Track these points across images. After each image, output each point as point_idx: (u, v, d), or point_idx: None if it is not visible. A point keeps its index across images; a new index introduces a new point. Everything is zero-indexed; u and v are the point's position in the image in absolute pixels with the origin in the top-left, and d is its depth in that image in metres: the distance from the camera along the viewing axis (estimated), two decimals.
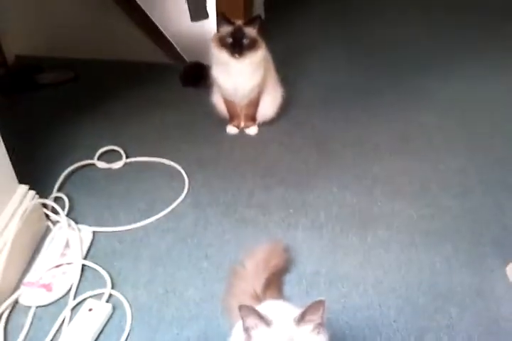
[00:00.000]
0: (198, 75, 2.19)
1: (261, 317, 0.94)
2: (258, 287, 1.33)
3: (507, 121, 2.19)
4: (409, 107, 2.27)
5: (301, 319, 0.94)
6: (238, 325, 1.11)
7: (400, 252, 1.61)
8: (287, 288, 1.48)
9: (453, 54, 2.62)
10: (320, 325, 0.95)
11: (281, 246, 1.53)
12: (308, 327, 0.95)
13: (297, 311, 0.96)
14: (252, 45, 1.87)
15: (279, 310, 1.08)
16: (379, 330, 1.38)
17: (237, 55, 1.86)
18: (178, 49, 2.46)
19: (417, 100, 2.31)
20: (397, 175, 1.91)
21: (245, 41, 1.85)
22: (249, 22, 1.86)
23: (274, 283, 1.41)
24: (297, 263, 1.56)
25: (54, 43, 2.43)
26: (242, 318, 0.95)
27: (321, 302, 0.94)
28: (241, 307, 0.94)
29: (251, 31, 1.86)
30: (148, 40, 2.44)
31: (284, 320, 0.96)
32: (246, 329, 0.96)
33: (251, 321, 0.95)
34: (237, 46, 1.85)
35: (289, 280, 1.51)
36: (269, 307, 1.13)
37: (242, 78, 1.94)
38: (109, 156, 1.97)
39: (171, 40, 2.44)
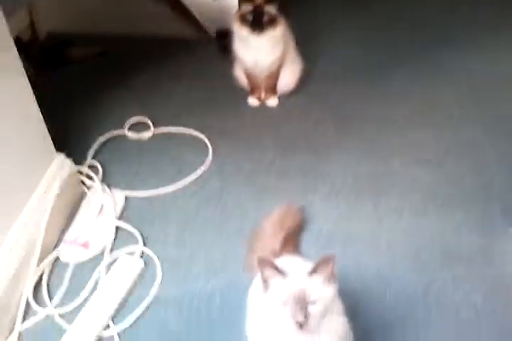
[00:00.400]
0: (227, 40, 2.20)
1: (277, 268, 1.03)
2: (276, 245, 1.44)
3: None
4: (427, 81, 2.31)
5: (314, 271, 1.02)
6: (258, 277, 1.22)
7: (411, 218, 1.70)
8: (304, 247, 1.59)
9: (470, 28, 2.63)
10: (330, 276, 1.03)
11: (295, 208, 1.64)
12: (319, 279, 1.02)
13: (310, 264, 1.05)
14: (272, 22, 1.96)
15: (294, 264, 1.19)
16: (388, 283, 1.49)
17: (257, 32, 1.95)
18: (203, 24, 2.53)
19: (434, 74, 2.35)
20: (414, 146, 1.98)
21: (265, 18, 1.95)
22: (269, 0, 1.95)
23: (291, 242, 1.52)
24: (314, 226, 1.67)
25: (83, 20, 2.51)
26: (260, 269, 1.04)
27: (331, 256, 1.02)
28: (259, 259, 1.04)
29: (270, 9, 1.96)
30: (173, 15, 2.50)
31: (298, 272, 1.05)
32: (264, 280, 1.05)
33: (268, 272, 1.03)
34: (257, 23, 1.95)
35: (306, 239, 1.62)
36: (285, 261, 1.24)
37: (262, 53, 2.03)
38: (138, 127, 2.07)
39: (196, 15, 2.51)
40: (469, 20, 2.70)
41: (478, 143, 1.99)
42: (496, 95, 2.23)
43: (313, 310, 1.01)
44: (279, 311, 1.02)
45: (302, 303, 1.00)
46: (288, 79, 2.17)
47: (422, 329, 1.39)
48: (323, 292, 1.02)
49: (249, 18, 1.95)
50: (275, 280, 1.04)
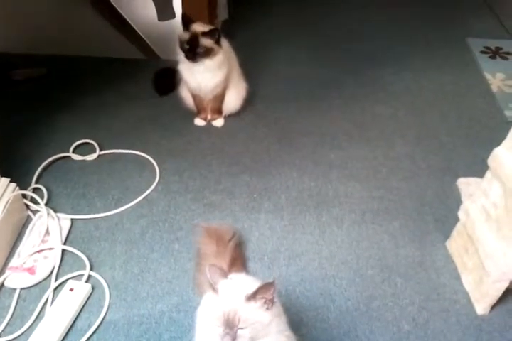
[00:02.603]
0: (170, 82, 2.25)
1: (222, 275, 1.08)
2: (224, 264, 1.47)
3: (452, 110, 2.37)
4: (366, 98, 2.43)
5: (252, 297, 1.03)
6: (206, 296, 1.25)
7: (351, 229, 1.78)
8: (251, 264, 1.64)
9: (406, 47, 2.80)
10: (269, 302, 1.05)
11: (232, 230, 1.65)
12: (256, 305, 1.04)
13: (255, 284, 1.07)
14: (207, 54, 1.96)
15: (241, 282, 1.23)
16: (332, 299, 1.54)
17: (191, 62, 1.98)
18: (150, 44, 2.57)
19: (372, 91, 2.48)
20: (352, 160, 2.08)
21: (200, 50, 1.94)
22: (207, 33, 1.94)
23: (238, 259, 1.56)
24: (260, 242, 1.71)
25: (27, 40, 2.50)
26: (210, 276, 1.07)
27: (271, 282, 1.04)
28: (209, 267, 1.08)
29: (207, 41, 1.95)
30: (120, 36, 2.53)
31: (236, 293, 1.06)
32: (212, 286, 1.07)
33: (215, 278, 1.08)
34: (191, 53, 1.96)
35: (253, 257, 1.66)
36: (234, 280, 1.28)
37: (203, 78, 2.06)
38: (84, 149, 2.07)
39: (142, 35, 2.54)
40: (406, 39, 2.87)
41: (412, 157, 2.10)
42: (429, 111, 2.37)
43: (242, 333, 1.03)
44: (211, 328, 1.05)
45: (231, 326, 1.02)
46: (233, 100, 2.22)
47: None
48: (257, 317, 1.04)
49: (186, 47, 1.96)
50: (210, 295, 1.08)
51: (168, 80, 2.25)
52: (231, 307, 1.04)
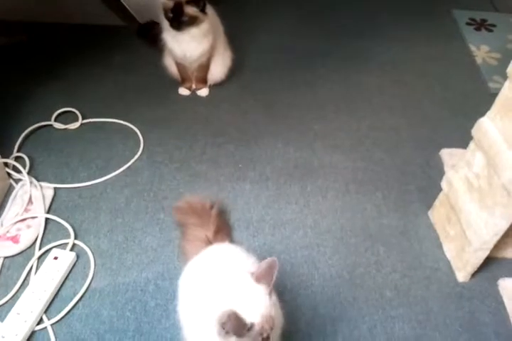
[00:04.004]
0: (152, 32, 2.18)
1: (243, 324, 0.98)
2: (209, 233, 1.47)
3: (437, 82, 2.37)
4: (352, 69, 2.41)
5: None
6: (189, 264, 1.26)
7: (335, 199, 1.79)
8: (236, 233, 1.65)
9: (396, 19, 2.77)
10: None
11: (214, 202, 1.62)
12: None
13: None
14: (192, 22, 1.92)
15: (226, 252, 1.24)
16: (316, 266, 1.56)
17: (176, 30, 1.94)
18: (131, 11, 2.50)
19: (359, 62, 2.46)
20: (337, 131, 2.08)
21: (184, 18, 1.90)
22: (192, 0, 1.89)
23: (223, 229, 1.57)
24: (245, 212, 1.72)
25: (6, 6, 2.42)
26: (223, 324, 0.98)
27: (274, 261, 1.01)
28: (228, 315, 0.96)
29: (191, 9, 1.90)
30: (99, 3, 2.46)
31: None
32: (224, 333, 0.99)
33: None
34: (176, 22, 1.91)
35: (238, 225, 1.67)
36: (217, 249, 1.29)
37: (188, 46, 2.02)
38: (66, 117, 2.04)
39: (123, 2, 2.48)
40: (395, 12, 2.84)
41: (396, 128, 2.11)
42: (415, 83, 2.37)
43: None
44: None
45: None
46: (219, 69, 2.19)
47: (349, 309, 1.47)
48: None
49: (170, 15, 1.91)
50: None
51: (151, 32, 2.19)
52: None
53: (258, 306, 1.00)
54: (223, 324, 0.97)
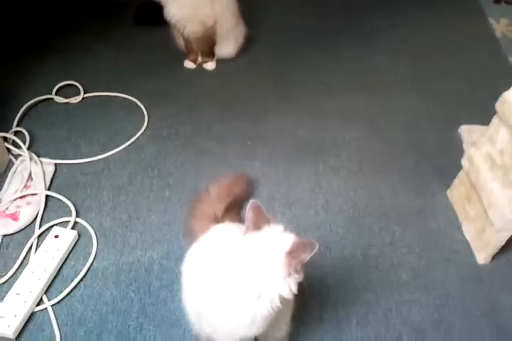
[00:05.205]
0: (153, 13, 2.09)
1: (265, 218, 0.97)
2: (219, 211, 1.40)
3: (455, 57, 2.27)
4: (362, 47, 2.32)
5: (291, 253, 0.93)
6: (197, 242, 1.19)
7: (348, 178, 1.71)
8: (245, 212, 1.57)
9: None
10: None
11: (245, 178, 1.60)
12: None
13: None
14: None
15: (234, 231, 1.16)
16: (328, 247, 1.49)
17: None
18: None
19: (370, 40, 2.36)
20: (349, 109, 1.99)
21: None
22: None
23: (234, 208, 1.48)
24: (254, 190, 1.65)
25: None
26: (250, 212, 0.98)
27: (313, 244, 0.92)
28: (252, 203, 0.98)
29: None
30: None
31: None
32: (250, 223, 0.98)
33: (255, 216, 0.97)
34: None
35: (247, 204, 1.59)
36: (225, 228, 1.22)
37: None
38: (67, 91, 1.97)
39: None
40: None
41: (410, 107, 2.02)
42: (431, 58, 2.27)
43: None
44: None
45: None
46: (230, 44, 2.12)
47: (363, 292, 1.40)
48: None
49: None
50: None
51: (150, 12, 2.10)
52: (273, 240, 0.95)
53: None
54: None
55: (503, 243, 1.42)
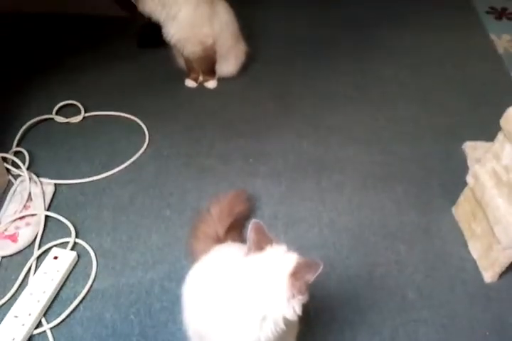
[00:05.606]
0: (155, 36, 2.09)
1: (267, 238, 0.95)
2: (220, 230, 1.38)
3: (457, 72, 2.27)
4: (366, 59, 2.33)
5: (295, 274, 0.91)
6: (198, 262, 1.17)
7: (352, 195, 1.69)
8: (247, 231, 1.54)
9: (408, 7, 2.67)
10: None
11: (245, 195, 1.58)
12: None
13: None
14: None
15: (237, 251, 1.13)
16: (333, 266, 1.46)
17: None
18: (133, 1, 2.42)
19: (373, 52, 2.37)
20: (352, 124, 1.98)
21: None
22: None
23: (236, 228, 1.46)
24: (256, 208, 1.62)
25: None
26: (252, 233, 0.96)
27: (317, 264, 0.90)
28: (254, 223, 0.96)
29: None
30: None
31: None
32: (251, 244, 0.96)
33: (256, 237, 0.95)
34: None
35: (249, 223, 1.57)
36: (227, 249, 1.19)
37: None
38: (68, 111, 1.96)
39: None
40: (412, 1, 2.75)
41: (415, 119, 2.01)
42: (433, 73, 2.27)
43: None
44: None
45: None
46: (231, 63, 2.12)
47: (369, 312, 1.37)
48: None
49: None
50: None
51: (152, 34, 2.10)
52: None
53: None
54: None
55: (510, 260, 1.39)
